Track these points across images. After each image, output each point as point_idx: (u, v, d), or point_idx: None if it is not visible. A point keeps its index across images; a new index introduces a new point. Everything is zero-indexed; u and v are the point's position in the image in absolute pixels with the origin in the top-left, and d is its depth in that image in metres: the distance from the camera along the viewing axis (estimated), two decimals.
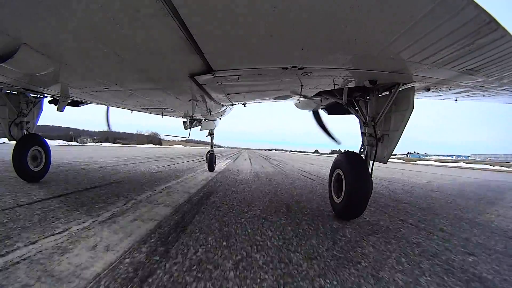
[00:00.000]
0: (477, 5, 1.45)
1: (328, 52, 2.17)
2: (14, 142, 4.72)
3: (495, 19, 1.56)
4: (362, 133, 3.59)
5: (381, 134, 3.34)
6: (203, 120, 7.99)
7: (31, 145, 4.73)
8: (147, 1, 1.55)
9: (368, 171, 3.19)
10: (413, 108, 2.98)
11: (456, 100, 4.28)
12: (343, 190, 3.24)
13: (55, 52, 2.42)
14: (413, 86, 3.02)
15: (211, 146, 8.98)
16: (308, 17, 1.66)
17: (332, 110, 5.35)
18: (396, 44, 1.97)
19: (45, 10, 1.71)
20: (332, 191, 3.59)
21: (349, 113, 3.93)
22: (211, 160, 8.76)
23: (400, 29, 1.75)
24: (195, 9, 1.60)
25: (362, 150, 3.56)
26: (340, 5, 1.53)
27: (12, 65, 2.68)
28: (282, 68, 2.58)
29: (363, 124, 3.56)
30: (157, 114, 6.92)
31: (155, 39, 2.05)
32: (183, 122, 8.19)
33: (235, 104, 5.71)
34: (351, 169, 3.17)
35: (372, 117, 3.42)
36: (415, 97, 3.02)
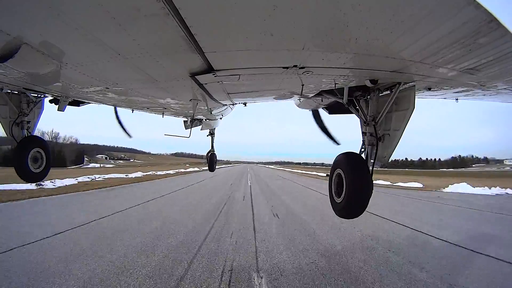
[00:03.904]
0: (478, 4, 1.45)
1: (329, 51, 2.17)
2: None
3: (496, 18, 1.56)
4: (362, 132, 3.59)
5: (382, 133, 3.34)
6: (204, 120, 8.00)
7: (32, 146, 4.74)
8: (148, 0, 1.55)
9: (369, 171, 3.18)
10: (414, 108, 2.98)
11: (457, 100, 4.27)
12: (344, 190, 3.25)
13: (56, 52, 2.42)
14: (414, 86, 3.02)
15: (212, 146, 9.00)
16: (309, 16, 1.66)
17: (333, 109, 5.35)
18: (396, 43, 1.97)
19: (46, 9, 1.71)
20: (333, 191, 3.60)
21: (350, 112, 3.92)
22: (211, 161, 8.81)
23: (401, 28, 1.75)
24: (196, 8, 1.61)
25: (362, 150, 3.56)
26: (340, 4, 1.53)
27: (13, 64, 2.68)
28: (283, 68, 2.58)
29: (363, 123, 3.56)
30: (158, 114, 6.93)
31: (156, 39, 2.05)
32: (184, 121, 8.20)
33: (236, 104, 5.72)
34: (351, 169, 3.17)
35: (372, 116, 3.42)
36: (416, 96, 3.03)
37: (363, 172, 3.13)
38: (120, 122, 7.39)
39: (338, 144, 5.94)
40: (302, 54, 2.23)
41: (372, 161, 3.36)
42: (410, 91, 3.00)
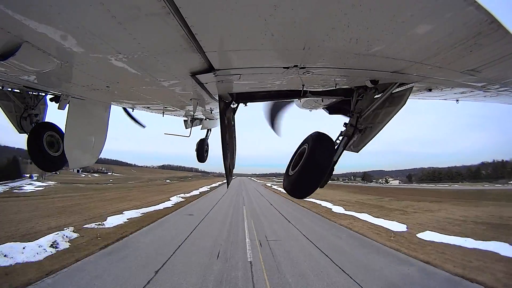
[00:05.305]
0: (479, 5, 1.45)
1: (329, 51, 2.17)
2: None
3: (496, 19, 1.56)
4: (344, 123, 3.63)
5: (364, 126, 3.40)
6: (205, 119, 8.00)
7: (44, 131, 4.73)
8: None
9: (333, 156, 3.25)
10: (404, 104, 3.06)
11: (458, 101, 4.27)
12: (300, 163, 3.25)
13: (56, 50, 2.42)
14: (411, 86, 3.04)
15: (206, 135, 8.91)
16: (310, 17, 1.66)
17: (333, 110, 5.34)
18: (397, 44, 1.97)
19: (47, 8, 1.71)
20: (291, 164, 3.57)
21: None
22: (201, 148, 8.55)
23: (401, 28, 1.75)
24: (197, 8, 1.61)
25: (339, 137, 3.61)
26: (341, 5, 1.53)
27: (14, 63, 2.68)
28: (284, 67, 2.58)
29: (350, 114, 3.60)
30: (158, 113, 6.92)
31: (157, 38, 2.05)
32: (184, 121, 8.18)
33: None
34: (316, 146, 3.21)
35: (360, 109, 3.44)
36: (416, 97, 3.05)
37: (327, 153, 3.19)
38: (129, 114, 7.28)
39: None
40: (302, 54, 2.23)
41: (342, 148, 3.42)
42: (406, 91, 3.04)
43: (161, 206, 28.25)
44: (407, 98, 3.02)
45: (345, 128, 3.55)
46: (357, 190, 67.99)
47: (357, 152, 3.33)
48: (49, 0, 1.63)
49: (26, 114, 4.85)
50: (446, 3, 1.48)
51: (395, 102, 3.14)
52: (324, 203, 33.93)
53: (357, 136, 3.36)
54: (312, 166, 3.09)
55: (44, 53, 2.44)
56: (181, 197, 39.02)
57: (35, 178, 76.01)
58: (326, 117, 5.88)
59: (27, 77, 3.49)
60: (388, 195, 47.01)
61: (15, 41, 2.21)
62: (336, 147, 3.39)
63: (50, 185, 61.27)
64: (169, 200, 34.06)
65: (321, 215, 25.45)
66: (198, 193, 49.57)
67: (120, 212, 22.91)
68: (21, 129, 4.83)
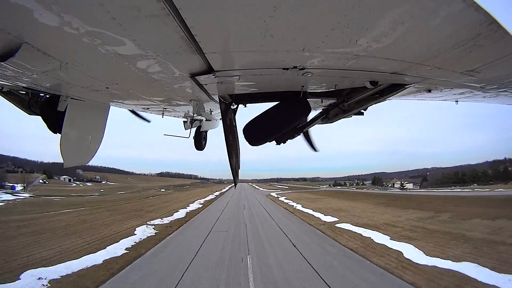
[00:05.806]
0: (478, 6, 1.45)
1: (329, 52, 2.17)
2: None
3: (496, 20, 1.57)
4: (332, 103, 3.88)
5: (349, 109, 3.66)
6: (204, 120, 8.00)
7: (57, 100, 4.70)
8: (148, 0, 1.55)
9: (300, 118, 3.56)
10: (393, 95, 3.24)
11: (457, 102, 4.27)
12: (268, 109, 3.54)
13: (56, 51, 2.42)
14: (409, 87, 3.07)
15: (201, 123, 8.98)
16: (309, 18, 1.66)
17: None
18: (397, 45, 1.97)
19: (46, 9, 1.71)
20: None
21: (349, 115, 3.94)
22: (198, 137, 8.68)
23: (401, 29, 1.75)
24: (197, 9, 1.61)
25: (320, 111, 3.90)
26: (341, 6, 1.54)
27: (14, 64, 2.68)
28: (283, 69, 2.59)
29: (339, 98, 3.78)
30: (158, 114, 6.92)
31: (156, 39, 2.05)
32: (184, 122, 8.18)
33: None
34: (289, 101, 3.45)
35: (349, 96, 3.56)
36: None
37: (296, 110, 3.46)
38: (132, 110, 7.30)
39: (316, 151, 5.87)
40: (302, 56, 2.23)
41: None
42: (403, 88, 3.10)
43: (102, 257, 14.44)
44: (400, 91, 3.13)
45: (326, 107, 3.82)
46: (384, 200, 48.48)
47: (332, 123, 3.68)
48: (48, 1, 1.63)
49: (33, 102, 4.89)
50: (445, 4, 1.48)
51: (386, 94, 3.23)
52: (374, 235, 19.85)
53: (338, 113, 3.69)
54: (276, 114, 3.36)
55: (44, 54, 2.44)
56: (156, 225, 25.25)
57: (19, 188, 69.04)
58: None
59: (26, 79, 3.49)
60: (435, 209, 32.10)
61: (15, 42, 2.21)
62: (308, 112, 3.69)
63: (17, 199, 47.40)
64: (133, 234, 20.65)
65: (400, 277, 11.36)
66: (185, 214, 34.33)
67: (17, 275, 11.24)
68: (31, 112, 4.88)
